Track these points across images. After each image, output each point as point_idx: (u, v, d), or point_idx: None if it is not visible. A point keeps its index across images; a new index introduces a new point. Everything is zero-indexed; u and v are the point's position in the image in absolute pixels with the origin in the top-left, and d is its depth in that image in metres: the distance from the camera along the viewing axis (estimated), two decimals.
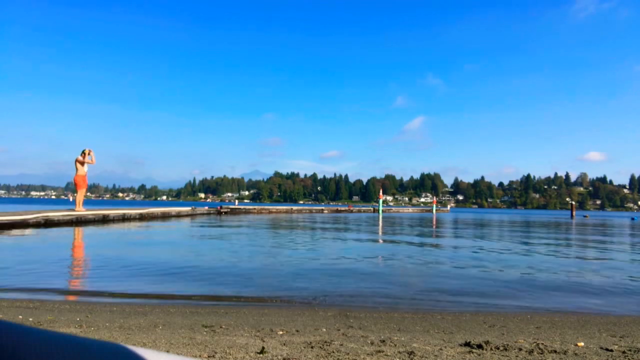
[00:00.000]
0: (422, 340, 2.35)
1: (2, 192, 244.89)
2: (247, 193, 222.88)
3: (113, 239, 8.39)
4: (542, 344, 2.32)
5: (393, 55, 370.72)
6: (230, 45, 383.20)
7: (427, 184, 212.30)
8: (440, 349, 2.17)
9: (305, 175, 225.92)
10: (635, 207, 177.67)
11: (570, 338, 2.50)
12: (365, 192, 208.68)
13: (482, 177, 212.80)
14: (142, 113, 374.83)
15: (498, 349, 2.20)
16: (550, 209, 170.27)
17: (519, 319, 3.04)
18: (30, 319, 2.61)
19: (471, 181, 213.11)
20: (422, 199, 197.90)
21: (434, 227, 16.30)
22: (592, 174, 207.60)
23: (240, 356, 1.98)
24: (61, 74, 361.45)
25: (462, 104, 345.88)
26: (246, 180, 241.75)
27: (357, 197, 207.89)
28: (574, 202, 41.82)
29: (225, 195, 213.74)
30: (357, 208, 41.45)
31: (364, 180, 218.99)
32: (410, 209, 51.14)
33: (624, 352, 2.19)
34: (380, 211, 32.86)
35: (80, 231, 9.63)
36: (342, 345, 2.21)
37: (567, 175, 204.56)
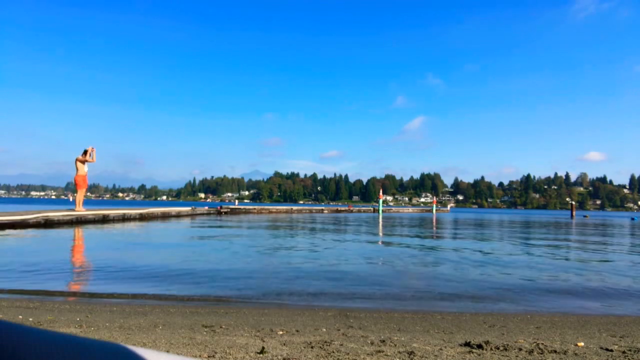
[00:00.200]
0: (422, 340, 2.35)
1: (2, 192, 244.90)
2: (247, 193, 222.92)
3: (113, 239, 8.39)
4: (542, 344, 2.32)
5: (393, 55, 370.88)
6: (231, 45, 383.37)
7: (427, 184, 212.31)
8: (440, 349, 2.17)
9: (305, 175, 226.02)
10: (635, 207, 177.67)
11: (570, 338, 2.50)
12: (365, 192, 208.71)
13: (482, 177, 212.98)
14: (142, 113, 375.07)
15: (498, 349, 2.20)
16: (550, 209, 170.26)
17: (519, 319, 3.04)
18: (30, 319, 2.61)
19: (471, 181, 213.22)
20: (422, 199, 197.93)
21: (434, 227, 16.31)
22: (592, 174, 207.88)
23: (240, 356, 1.98)
24: (61, 74, 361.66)
25: (462, 104, 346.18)
26: (246, 180, 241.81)
27: (357, 197, 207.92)
28: (574, 202, 41.82)
29: (225, 195, 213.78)
30: (357, 208, 41.45)
31: (364, 180, 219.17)
32: (410, 209, 51.14)
33: (624, 352, 2.19)
34: (380, 211, 32.86)
35: (80, 231, 9.63)
36: (342, 345, 2.21)
37: (567, 175, 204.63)
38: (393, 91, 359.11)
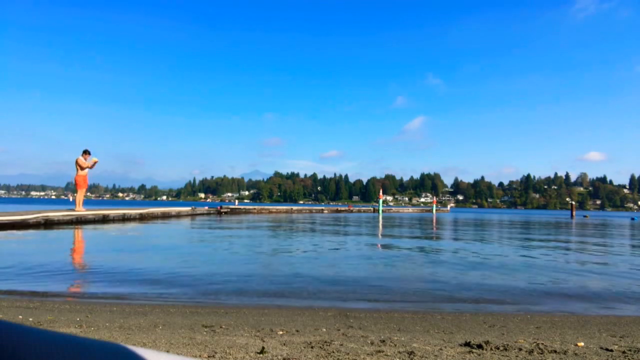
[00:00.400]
0: (422, 340, 2.35)
1: (2, 192, 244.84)
2: (247, 193, 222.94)
3: (113, 240, 8.39)
4: (542, 344, 2.32)
5: (393, 55, 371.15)
6: (231, 45, 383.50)
7: (427, 184, 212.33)
8: (440, 349, 2.17)
9: (305, 175, 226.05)
10: (635, 207, 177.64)
11: (570, 338, 2.50)
12: (365, 192, 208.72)
13: (482, 177, 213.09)
14: (142, 113, 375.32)
15: (498, 349, 2.20)
16: (550, 209, 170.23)
17: (519, 319, 3.04)
18: (30, 319, 2.61)
19: (471, 181, 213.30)
20: (422, 199, 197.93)
21: (434, 227, 16.30)
22: (592, 174, 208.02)
23: (240, 356, 1.98)
24: (61, 74, 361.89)
25: (462, 104, 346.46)
26: (246, 180, 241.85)
27: (357, 197, 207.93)
28: (574, 202, 41.80)
29: (225, 195, 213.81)
30: (357, 208, 41.43)
31: (364, 180, 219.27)
32: (410, 209, 51.12)
33: (624, 352, 2.19)
34: (380, 211, 32.84)
35: (80, 231, 9.63)
36: (342, 345, 2.21)
37: (567, 175, 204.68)
38: (393, 91, 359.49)
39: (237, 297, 3.56)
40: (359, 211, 36.31)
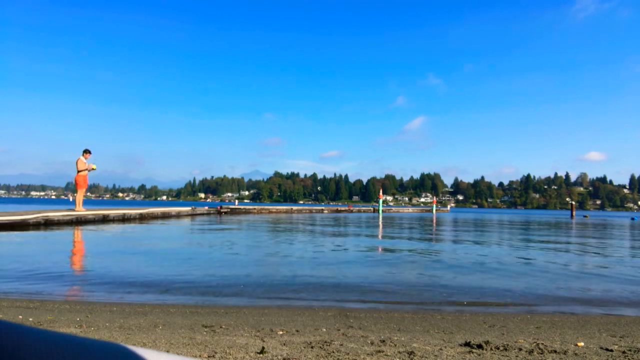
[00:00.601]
0: (422, 340, 2.35)
1: (2, 192, 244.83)
2: (247, 193, 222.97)
3: (113, 241, 8.40)
4: (542, 344, 2.32)
5: (393, 55, 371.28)
6: (231, 45, 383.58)
7: (427, 184, 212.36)
8: (440, 349, 2.17)
9: (305, 175, 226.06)
10: (635, 207, 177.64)
11: (570, 338, 2.50)
12: (365, 192, 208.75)
13: (482, 177, 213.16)
14: (142, 113, 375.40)
15: (498, 349, 2.20)
16: (550, 209, 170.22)
17: (519, 319, 3.04)
18: (30, 319, 2.61)
19: (471, 181, 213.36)
20: (422, 199, 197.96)
21: (434, 227, 16.30)
22: (592, 174, 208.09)
23: (240, 356, 1.98)
24: (61, 74, 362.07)
25: (462, 104, 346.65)
26: (246, 180, 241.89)
27: (357, 197, 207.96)
28: (574, 202, 41.80)
29: (225, 195, 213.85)
30: (357, 208, 41.42)
31: (364, 180, 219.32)
32: (410, 209, 51.12)
33: (624, 352, 2.19)
34: (380, 211, 32.84)
35: (80, 231, 9.63)
36: (342, 345, 2.21)
37: (567, 175, 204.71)
38: (393, 91, 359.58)
39: (237, 297, 3.56)
40: (359, 211, 36.30)
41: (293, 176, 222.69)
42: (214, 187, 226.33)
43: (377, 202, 34.11)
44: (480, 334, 2.55)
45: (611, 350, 2.22)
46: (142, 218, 14.98)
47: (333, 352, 2.08)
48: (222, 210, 22.84)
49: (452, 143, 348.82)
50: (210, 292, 3.72)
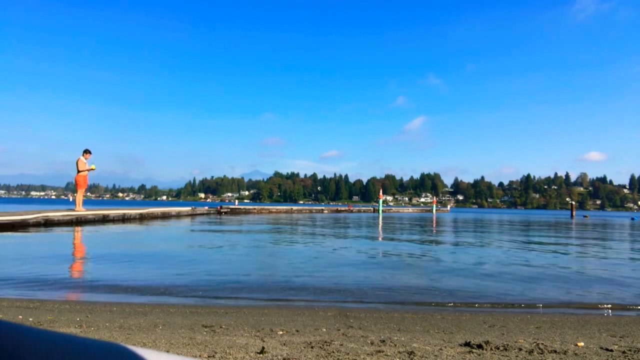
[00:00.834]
0: (422, 340, 2.35)
1: (2, 192, 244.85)
2: (247, 193, 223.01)
3: (112, 240, 8.39)
4: (542, 344, 2.32)
5: (393, 55, 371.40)
6: (230, 45, 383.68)
7: (427, 184, 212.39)
8: (440, 349, 2.17)
9: (305, 175, 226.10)
10: (635, 207, 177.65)
11: (570, 338, 2.50)
12: (365, 192, 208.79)
13: (482, 177, 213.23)
14: (142, 113, 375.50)
15: (498, 349, 2.20)
16: (550, 209, 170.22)
17: (519, 319, 3.04)
18: (30, 319, 2.61)
19: (471, 181, 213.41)
20: (422, 199, 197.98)
21: (434, 227, 16.30)
22: (592, 174, 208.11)
23: (240, 356, 1.98)
24: (61, 74, 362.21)
25: (462, 104, 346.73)
26: (246, 180, 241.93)
27: (357, 197, 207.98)
28: (574, 202, 41.80)
29: (225, 195, 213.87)
30: (357, 208, 41.42)
31: (364, 180, 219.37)
32: (410, 209, 51.11)
33: (624, 352, 2.19)
34: (380, 211, 32.84)
35: (80, 231, 9.63)
36: (342, 345, 2.21)
37: (567, 175, 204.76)
38: (393, 91, 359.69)
39: (237, 297, 3.56)
40: (359, 211, 36.30)
41: (293, 176, 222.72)
42: (214, 187, 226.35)
43: (377, 202, 34.10)
44: (480, 334, 2.55)
45: (611, 350, 2.22)
46: (142, 218, 14.98)
47: (333, 352, 2.08)
48: (222, 210, 22.84)
49: (452, 143, 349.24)
50: (210, 292, 3.72)
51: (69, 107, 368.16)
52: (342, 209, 36.90)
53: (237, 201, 43.23)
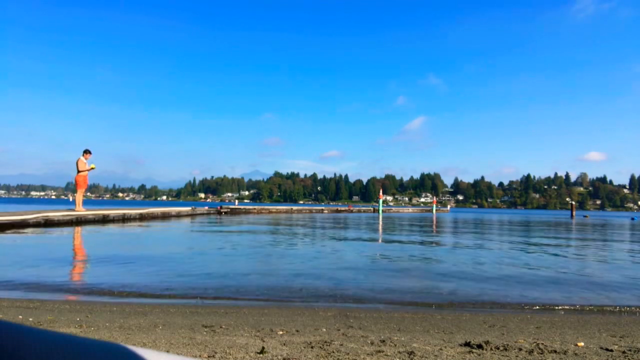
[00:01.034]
0: (422, 340, 2.35)
1: (2, 192, 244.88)
2: (247, 193, 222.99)
3: (112, 240, 8.39)
4: (542, 344, 2.32)
5: (393, 55, 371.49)
6: (230, 45, 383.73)
7: (427, 184, 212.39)
8: (440, 349, 2.17)
9: (305, 175, 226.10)
10: (635, 207, 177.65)
11: (570, 338, 2.50)
12: (365, 192, 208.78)
13: (482, 177, 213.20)
14: (143, 113, 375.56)
15: (498, 349, 2.20)
16: (550, 209, 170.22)
17: (519, 319, 3.04)
18: (30, 319, 2.61)
19: (471, 181, 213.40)
20: (422, 199, 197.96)
21: (434, 227, 16.30)
22: (592, 174, 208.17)
23: (240, 356, 1.98)
24: (61, 74, 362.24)
25: (462, 104, 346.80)
26: (246, 180, 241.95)
27: (357, 197, 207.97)
28: (574, 202, 41.81)
29: (225, 195, 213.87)
30: (357, 208, 41.41)
31: (364, 180, 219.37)
32: (410, 209, 51.10)
33: (624, 352, 2.19)
34: (380, 211, 32.84)
35: (80, 231, 9.63)
36: (342, 345, 2.21)
37: (567, 175, 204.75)
38: (393, 91, 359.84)
39: (237, 298, 3.56)
40: (359, 211, 36.30)
41: (293, 176, 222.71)
42: (214, 187, 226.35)
43: (377, 202, 34.10)
44: (480, 334, 2.55)
45: (611, 350, 2.22)
46: (142, 218, 14.98)
47: (333, 352, 2.08)
48: (222, 210, 22.84)
49: (452, 143, 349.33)
50: (210, 292, 3.72)
51: (69, 107, 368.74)
52: (342, 209, 36.89)
53: (237, 201, 43.22)
